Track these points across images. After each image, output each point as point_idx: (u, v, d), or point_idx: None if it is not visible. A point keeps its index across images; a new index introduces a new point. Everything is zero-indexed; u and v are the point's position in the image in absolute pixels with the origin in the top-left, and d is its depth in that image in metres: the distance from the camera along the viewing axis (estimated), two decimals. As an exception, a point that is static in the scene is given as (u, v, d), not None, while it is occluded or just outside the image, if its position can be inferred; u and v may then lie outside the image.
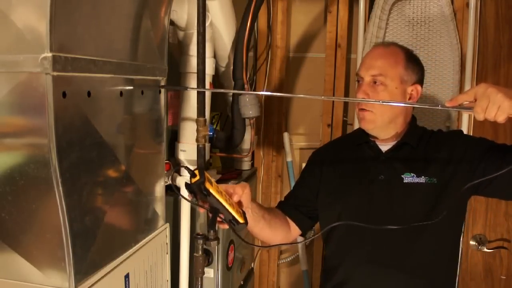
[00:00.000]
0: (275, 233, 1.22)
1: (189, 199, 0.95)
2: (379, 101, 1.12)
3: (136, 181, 1.06)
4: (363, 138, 1.26)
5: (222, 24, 1.53)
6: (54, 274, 0.82)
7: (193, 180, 0.88)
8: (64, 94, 0.76)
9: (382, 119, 1.17)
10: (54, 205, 0.78)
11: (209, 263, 1.46)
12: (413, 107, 1.28)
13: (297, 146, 2.19)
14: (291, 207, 1.29)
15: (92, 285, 0.87)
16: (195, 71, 1.15)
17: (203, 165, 1.23)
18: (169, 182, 1.32)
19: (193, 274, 1.23)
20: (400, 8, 1.87)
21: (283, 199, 1.37)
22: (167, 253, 1.24)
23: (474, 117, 0.93)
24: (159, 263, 1.19)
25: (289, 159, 2.12)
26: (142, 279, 1.09)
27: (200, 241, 1.13)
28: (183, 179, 1.34)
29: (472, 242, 1.88)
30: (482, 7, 1.79)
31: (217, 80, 1.73)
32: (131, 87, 1.02)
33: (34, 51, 0.72)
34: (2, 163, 0.79)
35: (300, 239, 1.85)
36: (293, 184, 2.05)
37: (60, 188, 0.77)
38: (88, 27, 0.84)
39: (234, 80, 1.54)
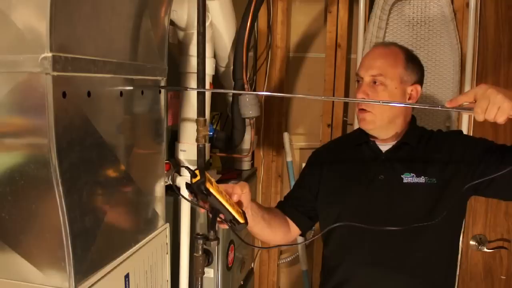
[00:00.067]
0: (275, 233, 1.22)
1: (190, 199, 0.95)
2: (379, 102, 1.12)
3: (136, 181, 1.06)
4: (363, 138, 1.26)
5: (222, 24, 1.53)
6: (54, 274, 0.82)
7: (194, 180, 0.88)
8: (64, 94, 0.76)
9: (382, 119, 1.17)
10: (54, 205, 0.78)
11: (209, 263, 1.46)
12: (413, 107, 1.28)
13: (297, 146, 2.19)
14: (290, 207, 1.29)
15: (92, 285, 0.87)
16: (195, 71, 1.15)
17: (203, 165, 1.23)
18: (169, 182, 1.32)
19: (193, 274, 1.23)
20: (400, 8, 1.87)
21: (283, 199, 1.37)
22: (167, 253, 1.24)
23: (474, 117, 0.93)
24: (159, 263, 1.19)
25: (289, 159, 2.12)
26: (142, 279, 1.09)
27: (200, 241, 1.13)
28: (183, 179, 1.34)
29: (472, 242, 1.88)
30: (482, 7, 1.79)
31: (217, 80, 1.73)
32: (131, 87, 1.02)
33: (34, 51, 0.72)
34: (2, 163, 0.79)
35: (300, 239, 1.85)
36: (293, 184, 2.05)
37: (60, 188, 0.77)
38: (88, 27, 0.84)
39: (234, 80, 1.54)
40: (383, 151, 1.23)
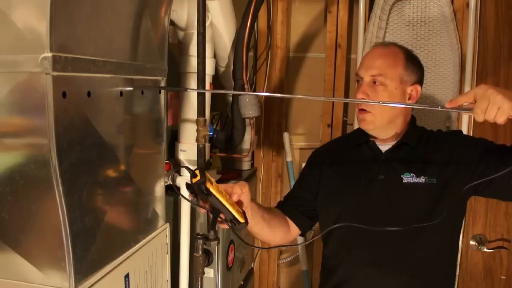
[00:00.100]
0: (275, 233, 1.22)
1: (190, 199, 0.95)
2: (379, 102, 1.12)
3: (136, 181, 1.06)
4: (363, 138, 1.26)
5: (222, 24, 1.53)
6: (54, 274, 0.82)
7: (194, 180, 0.88)
8: (64, 94, 0.76)
9: (382, 119, 1.17)
10: (54, 205, 0.78)
11: (209, 263, 1.46)
12: (413, 108, 1.28)
13: (297, 146, 2.19)
14: (290, 207, 1.29)
15: (92, 285, 0.87)
16: (195, 71, 1.15)
17: (203, 165, 1.23)
18: (169, 182, 1.32)
19: (193, 274, 1.23)
20: (400, 8, 1.87)
21: (282, 199, 1.37)
22: (167, 253, 1.24)
23: (474, 118, 0.93)
24: (159, 263, 1.19)
25: (289, 159, 2.12)
26: (142, 279, 1.09)
27: (200, 241, 1.13)
28: (183, 179, 1.34)
29: (472, 242, 1.88)
30: (482, 7, 1.79)
31: (217, 80, 1.73)
32: (131, 87, 1.02)
33: (34, 51, 0.72)
34: (2, 163, 0.79)
35: (299, 239, 1.85)
36: (293, 184, 2.05)
37: (60, 188, 0.77)
38: (88, 27, 0.84)
39: (234, 80, 1.54)
40: (383, 151, 1.23)
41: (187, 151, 1.44)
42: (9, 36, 0.74)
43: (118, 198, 0.99)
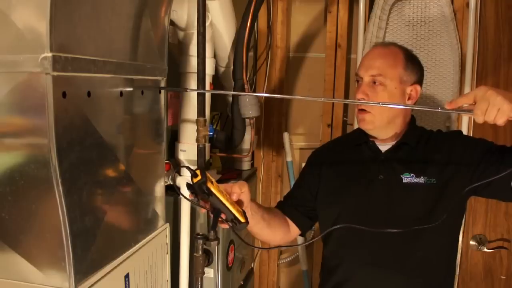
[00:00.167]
0: (275, 233, 1.22)
1: (190, 199, 0.95)
2: (379, 103, 1.12)
3: (136, 181, 1.06)
4: (363, 138, 1.26)
5: (222, 24, 1.53)
6: (54, 274, 0.82)
7: (195, 180, 0.88)
8: (64, 94, 0.76)
9: (381, 119, 1.17)
10: (54, 205, 0.78)
11: (209, 263, 1.46)
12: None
13: (297, 146, 2.19)
14: (290, 207, 1.29)
15: (92, 285, 0.87)
16: (195, 71, 1.15)
17: (204, 165, 1.23)
18: (169, 182, 1.32)
19: (193, 274, 1.23)
20: (400, 8, 1.87)
21: (282, 199, 1.37)
22: (167, 253, 1.24)
23: (474, 119, 0.93)
24: (159, 263, 1.19)
25: (289, 159, 2.12)
26: (142, 279, 1.09)
27: (200, 241, 1.13)
28: (183, 179, 1.34)
29: (472, 242, 1.88)
30: (482, 7, 1.79)
31: (217, 80, 1.73)
32: (131, 87, 1.02)
33: (34, 51, 0.72)
34: (2, 163, 0.79)
35: (299, 238, 1.85)
36: (293, 184, 2.05)
37: (60, 188, 0.77)
38: (88, 27, 0.84)
39: (234, 80, 1.55)
40: (383, 151, 1.23)
41: (187, 151, 1.44)
42: (9, 36, 0.74)
43: (118, 198, 0.99)
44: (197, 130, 1.18)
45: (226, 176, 1.70)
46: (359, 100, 1.17)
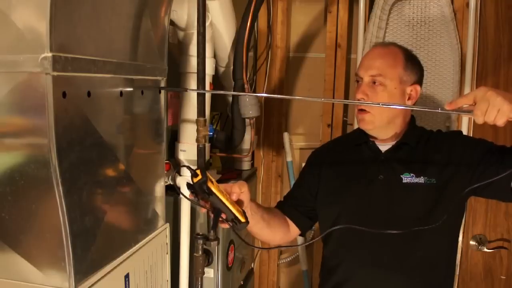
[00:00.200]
0: (274, 233, 1.22)
1: (191, 199, 0.95)
2: (379, 104, 1.12)
3: (136, 181, 1.06)
4: (362, 138, 1.26)
5: (222, 24, 1.53)
6: (54, 274, 0.82)
7: (195, 179, 0.88)
8: (64, 94, 0.76)
9: (381, 119, 1.17)
10: (54, 205, 0.78)
11: (209, 263, 1.46)
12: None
13: (297, 146, 2.19)
14: (290, 207, 1.29)
15: (92, 285, 0.87)
16: (195, 71, 1.15)
17: (204, 165, 1.23)
18: (169, 182, 1.32)
19: (193, 274, 1.23)
20: (400, 8, 1.87)
21: (282, 199, 1.37)
22: (167, 253, 1.24)
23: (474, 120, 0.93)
24: (159, 263, 1.19)
25: (289, 159, 2.12)
26: (142, 279, 1.09)
27: (200, 241, 1.13)
28: (183, 179, 1.34)
29: (472, 242, 1.88)
30: (482, 7, 1.79)
31: (217, 80, 1.73)
32: (131, 87, 1.02)
33: (34, 51, 0.72)
34: (2, 163, 0.79)
35: (299, 238, 1.85)
36: (293, 184, 2.05)
37: (60, 188, 0.77)
38: (88, 27, 0.84)
39: (234, 80, 1.55)
40: (383, 151, 1.23)
41: (187, 151, 1.44)
42: (9, 36, 0.74)
43: (118, 198, 0.99)
44: (197, 130, 1.18)
45: (226, 176, 1.70)
46: (359, 100, 1.17)
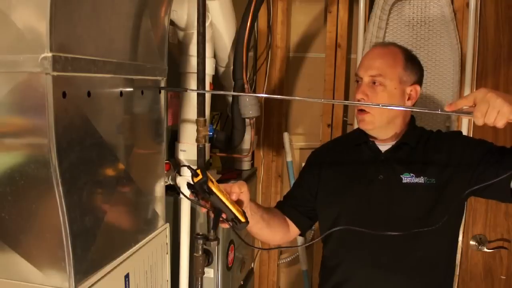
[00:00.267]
0: (274, 233, 1.22)
1: (191, 198, 0.95)
2: (379, 105, 1.12)
3: (136, 181, 1.06)
4: (362, 138, 1.26)
5: (222, 24, 1.53)
6: (54, 274, 0.82)
7: (196, 179, 0.88)
8: (64, 94, 0.76)
9: (381, 120, 1.17)
10: (54, 205, 0.78)
11: (209, 263, 1.46)
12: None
13: (297, 146, 2.19)
14: (290, 207, 1.29)
15: (92, 285, 0.87)
16: (195, 71, 1.15)
17: (204, 165, 1.23)
18: (169, 182, 1.32)
19: (193, 274, 1.23)
20: (400, 8, 1.87)
21: (282, 199, 1.37)
22: (167, 253, 1.24)
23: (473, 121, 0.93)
24: (159, 263, 1.19)
25: (289, 159, 2.12)
26: (142, 279, 1.09)
27: (200, 241, 1.13)
28: (183, 179, 1.34)
29: (472, 242, 1.88)
30: (482, 7, 1.79)
31: (217, 80, 1.73)
32: (131, 87, 1.02)
33: (34, 51, 0.72)
34: (2, 163, 0.79)
35: (299, 238, 1.85)
36: (293, 184, 2.05)
37: (60, 188, 0.77)
38: (88, 27, 0.84)
39: (234, 80, 1.55)
40: (383, 151, 1.23)
41: (187, 151, 1.44)
42: (9, 36, 0.74)
43: (118, 198, 0.99)
44: (197, 130, 1.18)
45: (226, 176, 1.70)
46: (358, 100, 1.17)
